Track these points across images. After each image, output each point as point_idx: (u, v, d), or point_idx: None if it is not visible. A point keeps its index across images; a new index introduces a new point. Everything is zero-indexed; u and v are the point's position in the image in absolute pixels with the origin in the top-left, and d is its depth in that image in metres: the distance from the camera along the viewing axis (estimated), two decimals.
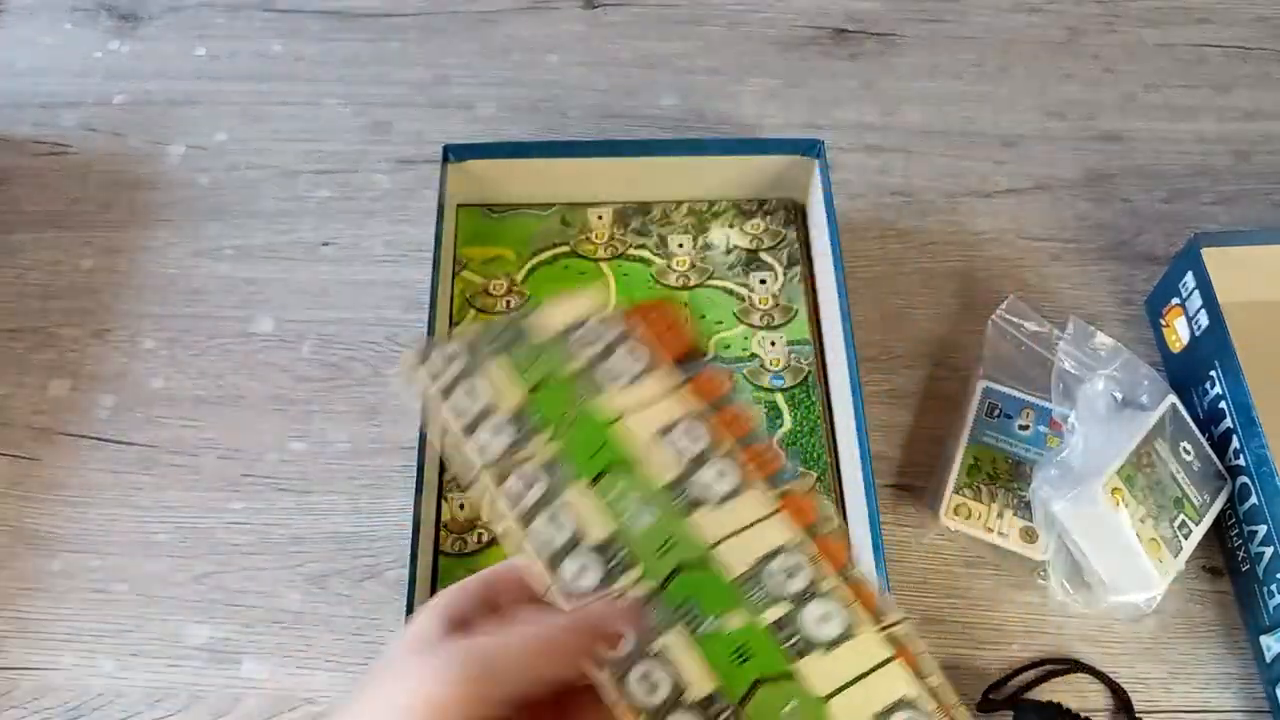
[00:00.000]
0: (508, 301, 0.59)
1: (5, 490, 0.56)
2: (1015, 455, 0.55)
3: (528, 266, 0.61)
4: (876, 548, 0.47)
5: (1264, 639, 0.51)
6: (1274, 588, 0.50)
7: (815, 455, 0.55)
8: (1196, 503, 0.53)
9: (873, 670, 0.35)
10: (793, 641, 0.34)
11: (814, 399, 0.56)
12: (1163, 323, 0.60)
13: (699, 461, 0.37)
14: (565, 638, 0.33)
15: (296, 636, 0.52)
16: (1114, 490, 0.50)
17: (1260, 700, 0.51)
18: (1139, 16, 0.75)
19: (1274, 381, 0.55)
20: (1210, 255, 0.56)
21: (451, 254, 0.60)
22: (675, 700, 0.33)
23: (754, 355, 0.58)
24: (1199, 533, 0.52)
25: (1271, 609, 0.50)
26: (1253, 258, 0.58)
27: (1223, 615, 0.53)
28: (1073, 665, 0.51)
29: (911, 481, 0.57)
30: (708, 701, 0.33)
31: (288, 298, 0.62)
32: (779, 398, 0.56)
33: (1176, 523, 0.52)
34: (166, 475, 0.56)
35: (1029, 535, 0.53)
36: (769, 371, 0.57)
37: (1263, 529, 0.51)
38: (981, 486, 0.55)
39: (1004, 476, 0.55)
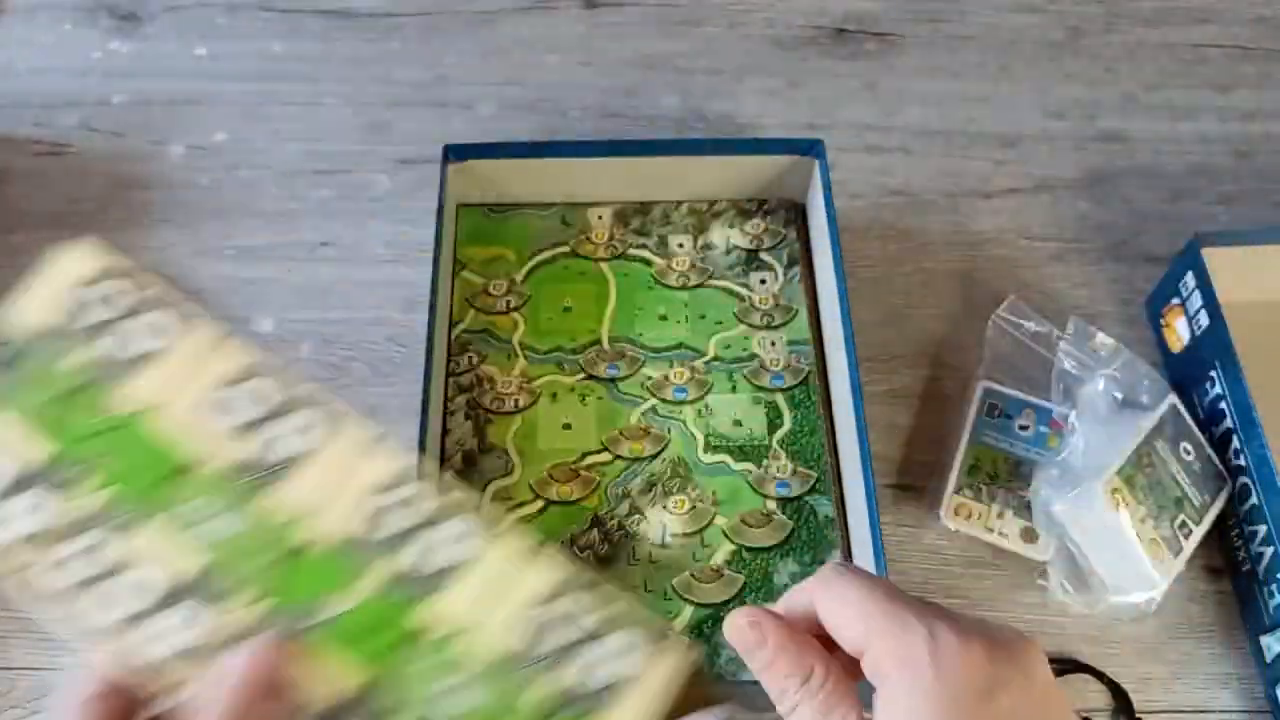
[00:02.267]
0: (508, 301, 0.59)
1: None
2: (1015, 455, 0.55)
3: (528, 266, 0.61)
4: (877, 548, 0.47)
5: (1264, 639, 0.51)
6: (1274, 588, 0.50)
7: (815, 455, 0.55)
8: (1197, 503, 0.53)
9: (504, 580, 0.31)
10: (413, 587, 0.30)
11: (814, 399, 0.56)
12: (1163, 323, 0.60)
13: (259, 424, 0.30)
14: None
15: None
16: (1114, 491, 0.50)
17: (1260, 700, 0.51)
18: (1139, 16, 0.75)
19: (1274, 381, 0.55)
20: (1210, 255, 0.56)
21: (451, 254, 0.60)
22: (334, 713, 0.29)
23: (754, 355, 0.58)
24: (1199, 533, 0.52)
25: (1272, 609, 0.50)
26: (1253, 258, 0.58)
27: (1223, 615, 0.53)
28: (1073, 665, 0.51)
29: (911, 481, 0.57)
30: (360, 698, 0.29)
31: (288, 298, 0.62)
32: (779, 398, 0.56)
33: (1177, 523, 0.52)
34: None
35: (1029, 536, 0.53)
36: (769, 371, 0.57)
37: (1263, 529, 0.51)
38: (982, 487, 0.55)
39: (1004, 477, 0.55)
